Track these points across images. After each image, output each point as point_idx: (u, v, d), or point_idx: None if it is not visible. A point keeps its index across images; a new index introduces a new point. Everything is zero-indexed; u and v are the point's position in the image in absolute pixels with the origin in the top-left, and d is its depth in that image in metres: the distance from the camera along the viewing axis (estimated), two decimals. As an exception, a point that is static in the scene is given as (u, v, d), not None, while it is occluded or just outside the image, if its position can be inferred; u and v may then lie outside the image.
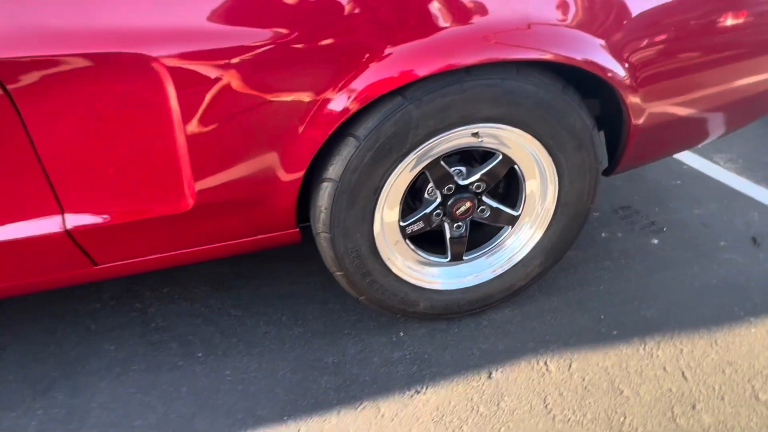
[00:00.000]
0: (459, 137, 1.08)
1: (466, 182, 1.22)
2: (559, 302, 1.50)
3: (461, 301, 1.36)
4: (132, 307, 1.55)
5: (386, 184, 1.08)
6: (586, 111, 1.11)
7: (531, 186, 1.25)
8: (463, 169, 1.23)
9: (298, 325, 1.46)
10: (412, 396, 1.25)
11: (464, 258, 1.34)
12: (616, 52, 1.01)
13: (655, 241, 1.77)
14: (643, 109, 1.10)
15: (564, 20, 0.97)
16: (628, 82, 1.04)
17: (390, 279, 1.26)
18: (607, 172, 1.39)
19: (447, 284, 1.34)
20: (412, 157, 1.07)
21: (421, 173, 1.13)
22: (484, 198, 1.27)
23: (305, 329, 1.44)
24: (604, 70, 1.01)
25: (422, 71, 0.90)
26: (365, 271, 1.21)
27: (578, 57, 0.99)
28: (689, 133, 1.29)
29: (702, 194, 2.00)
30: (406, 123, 0.99)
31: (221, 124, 0.89)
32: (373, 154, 1.00)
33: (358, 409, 1.22)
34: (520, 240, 1.34)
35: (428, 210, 1.23)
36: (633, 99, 1.08)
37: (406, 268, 1.27)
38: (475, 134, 1.10)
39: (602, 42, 1.00)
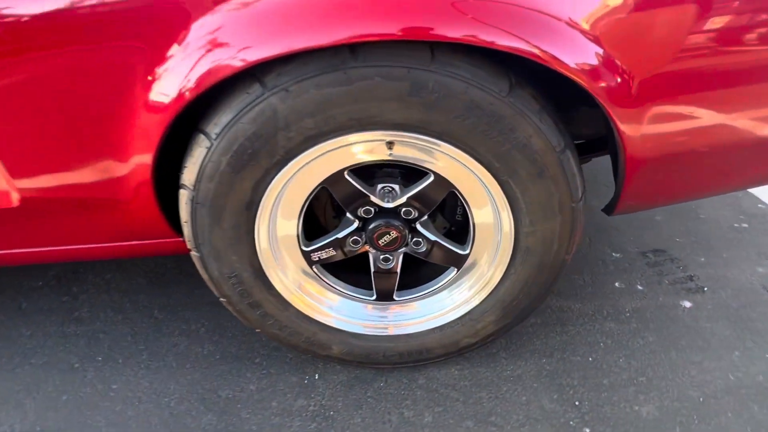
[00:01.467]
0: (366, 147, 0.78)
1: (392, 205, 0.92)
2: (525, 369, 1.10)
3: (388, 351, 1.06)
4: (68, 290, 1.43)
5: (264, 199, 0.81)
6: (553, 124, 0.73)
7: (481, 218, 0.89)
8: (396, 188, 0.93)
9: (212, 342, 1.24)
10: None
11: (395, 298, 1.04)
12: (597, 40, 0.64)
13: (687, 305, 1.31)
14: (642, 131, 0.72)
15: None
16: (616, 88, 0.67)
17: (289, 314, 0.98)
18: (607, 211, 1.00)
19: (370, 328, 1.05)
20: (296, 167, 0.79)
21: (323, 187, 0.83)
22: (419, 228, 0.96)
23: (216, 349, 1.22)
24: (569, 67, 0.64)
25: (270, 49, 0.61)
26: (253, 302, 0.96)
27: (515, 42, 0.62)
28: (716, 173, 0.87)
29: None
30: (271, 120, 0.69)
31: (25, 111, 0.68)
32: (231, 159, 0.73)
33: None
34: (468, 287, 1.00)
35: (340, 235, 0.93)
36: (624, 115, 0.70)
37: (312, 302, 1.00)
38: (390, 144, 0.79)
39: (571, 23, 0.63)
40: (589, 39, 0.62)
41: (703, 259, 1.44)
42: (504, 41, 0.62)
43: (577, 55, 0.62)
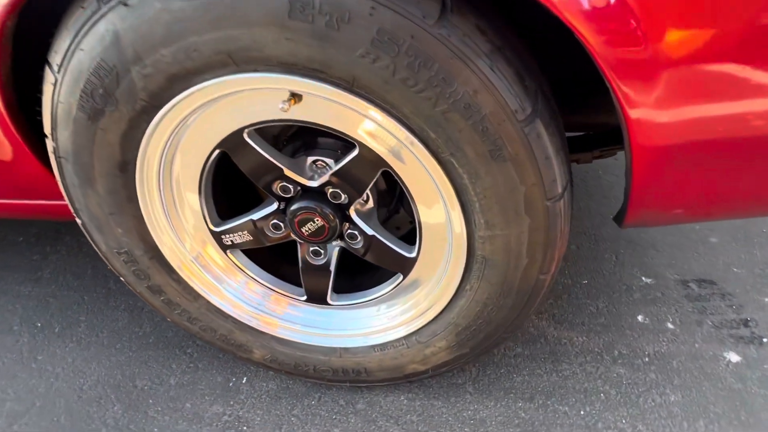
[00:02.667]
0: (261, 98, 0.56)
1: (315, 184, 0.71)
2: (493, 413, 0.83)
3: (320, 365, 0.85)
4: (42, 249, 1.36)
5: (141, 159, 0.63)
6: (515, 77, 0.47)
7: (428, 214, 0.64)
8: (331, 162, 0.71)
9: (152, 323, 1.08)
10: None
11: (329, 302, 0.84)
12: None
13: (735, 358, 0.96)
14: (655, 107, 0.46)
15: None
16: (617, 35, 0.41)
17: (199, 306, 0.81)
18: (618, 220, 0.72)
19: (297, 334, 0.84)
20: (174, 120, 0.60)
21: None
22: (353, 217, 0.74)
23: (153, 331, 1.07)
24: None
25: None
26: (153, 286, 0.79)
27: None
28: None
29: None
30: (115, 48, 0.49)
31: None
32: (81, 101, 0.55)
33: None
34: (415, 302, 0.76)
35: (255, 217, 0.73)
36: (630, 78, 0.44)
37: (228, 294, 0.82)
38: (297, 97, 0.58)
39: None
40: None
41: (767, 300, 1.09)
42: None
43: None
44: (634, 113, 0.47)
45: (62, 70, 0.52)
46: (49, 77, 0.54)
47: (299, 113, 0.57)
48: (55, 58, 0.52)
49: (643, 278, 1.15)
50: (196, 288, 0.76)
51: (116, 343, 1.05)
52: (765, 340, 0.97)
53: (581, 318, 1.05)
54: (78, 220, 0.70)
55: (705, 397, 0.86)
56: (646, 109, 0.46)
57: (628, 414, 0.84)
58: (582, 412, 0.84)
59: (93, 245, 0.73)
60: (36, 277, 1.26)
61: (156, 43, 0.49)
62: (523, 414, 0.84)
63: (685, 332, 1.00)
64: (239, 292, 0.80)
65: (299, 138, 0.73)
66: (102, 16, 0.48)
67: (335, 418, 0.86)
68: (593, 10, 0.42)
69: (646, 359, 0.94)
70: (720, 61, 0.44)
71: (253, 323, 0.81)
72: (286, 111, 0.54)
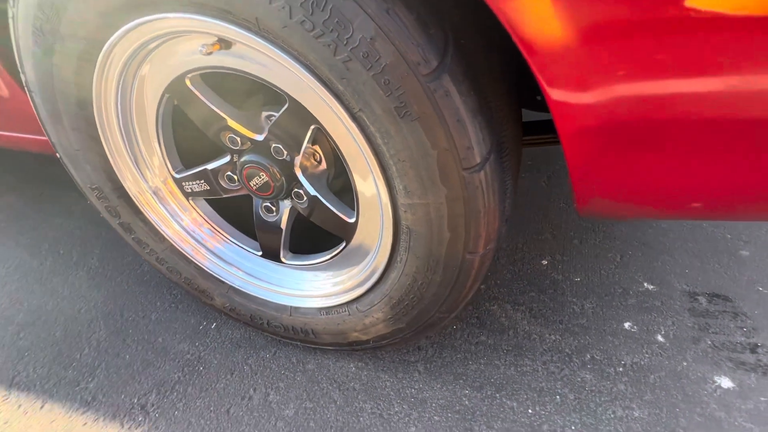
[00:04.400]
0: (191, 43, 0.54)
1: (260, 138, 0.68)
2: (436, 395, 0.79)
3: (273, 320, 0.84)
4: (57, 202, 1.48)
5: (96, 98, 0.64)
6: (415, 23, 0.41)
7: (360, 179, 0.60)
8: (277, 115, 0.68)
9: (126, 265, 1.17)
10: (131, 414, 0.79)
11: (282, 260, 0.82)
12: None
13: (726, 384, 0.82)
14: (584, 98, 0.37)
15: None
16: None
17: (164, 248, 0.84)
18: (577, 206, 0.62)
19: (252, 287, 0.84)
20: (119, 59, 0.60)
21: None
22: (298, 175, 0.71)
23: (149, 270, 1.14)
24: None
25: None
26: (123, 223, 0.82)
27: None
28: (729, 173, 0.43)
29: None
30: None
31: None
32: (33, 35, 0.58)
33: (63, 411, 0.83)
34: (356, 269, 0.72)
35: (210, 167, 0.72)
36: (554, 71, 0.36)
37: (189, 238, 0.83)
38: (224, 43, 0.55)
39: None
40: None
41: None
42: None
43: None
44: (555, 94, 0.40)
45: (16, 4, 0.55)
46: (9, 12, 0.57)
47: (229, 62, 0.56)
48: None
49: (645, 284, 1.01)
50: (160, 229, 0.79)
51: (117, 277, 1.13)
52: (774, 369, 0.83)
53: (561, 316, 0.95)
54: (57, 155, 0.75)
55: (675, 420, 0.75)
56: (566, 90, 0.39)
57: (580, 422, 0.75)
58: (530, 411, 0.77)
59: (72, 180, 0.79)
60: (69, 212, 1.38)
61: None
62: (466, 401, 0.79)
63: (676, 348, 0.87)
64: (202, 238, 0.82)
65: (260, 92, 0.72)
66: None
67: (283, 374, 0.86)
68: None
69: (620, 369, 0.83)
70: (643, 33, 0.36)
71: (213, 271, 0.83)
72: (208, 54, 0.53)
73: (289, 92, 0.56)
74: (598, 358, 0.86)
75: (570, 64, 0.38)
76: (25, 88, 0.65)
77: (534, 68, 0.39)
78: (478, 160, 0.47)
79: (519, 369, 0.84)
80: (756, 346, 0.87)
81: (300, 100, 0.55)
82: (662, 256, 1.08)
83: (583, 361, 0.85)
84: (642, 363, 0.84)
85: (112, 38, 0.54)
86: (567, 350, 0.88)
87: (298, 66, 0.48)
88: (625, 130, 0.41)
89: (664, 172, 0.45)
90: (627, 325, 0.92)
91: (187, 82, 0.60)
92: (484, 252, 0.56)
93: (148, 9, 0.49)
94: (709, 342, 0.88)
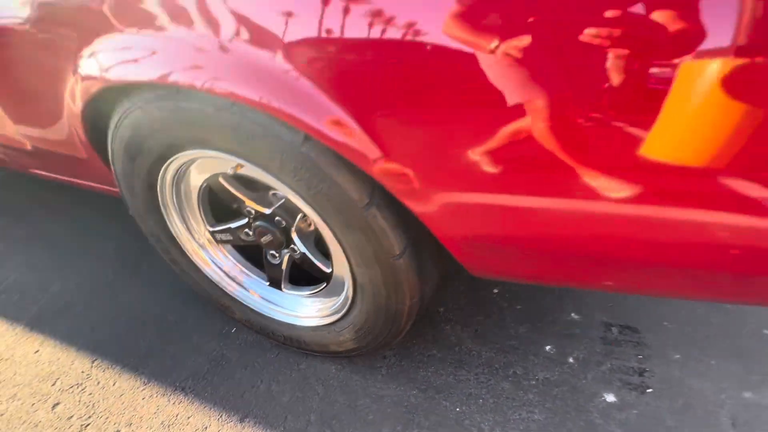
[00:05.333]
0: (218, 163, 0.84)
1: (268, 211, 0.96)
2: (392, 393, 1.06)
3: (276, 331, 1.14)
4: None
5: (160, 184, 0.94)
6: (353, 179, 0.67)
7: (332, 246, 0.87)
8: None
9: (171, 280, 1.48)
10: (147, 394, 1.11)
11: (283, 289, 1.10)
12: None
13: (610, 399, 1.06)
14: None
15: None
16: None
17: (201, 277, 1.13)
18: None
19: (262, 307, 1.13)
20: (176, 166, 0.89)
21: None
22: (293, 237, 0.98)
23: (173, 286, 1.45)
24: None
25: (112, 76, 0.71)
26: (172, 258, 1.12)
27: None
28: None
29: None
30: (138, 127, 0.81)
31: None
32: (125, 147, 0.86)
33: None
34: (332, 302, 1.00)
35: (233, 226, 1.02)
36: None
37: (219, 272, 1.13)
38: (241, 165, 0.83)
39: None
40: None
41: (678, 357, 1.14)
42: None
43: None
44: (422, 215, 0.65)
45: (115, 128, 0.84)
46: (110, 134, 0.87)
47: (247, 172, 0.84)
48: (112, 123, 0.84)
49: (573, 314, 1.26)
50: (198, 264, 1.09)
51: (163, 287, 1.45)
52: (649, 390, 1.06)
53: (498, 337, 1.21)
54: (130, 212, 1.05)
55: (564, 424, 1.01)
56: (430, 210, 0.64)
57: (493, 420, 1.02)
58: (458, 409, 1.04)
59: (142, 228, 1.09)
60: (127, 230, 1.71)
61: (155, 130, 0.78)
62: (413, 399, 1.07)
63: (581, 368, 1.12)
64: (228, 271, 1.12)
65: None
66: (129, 115, 0.78)
67: (283, 370, 1.16)
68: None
69: (533, 382, 1.09)
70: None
71: (236, 295, 1.12)
72: (235, 171, 0.81)
73: (285, 195, 0.83)
74: (519, 372, 1.12)
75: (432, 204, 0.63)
76: (113, 174, 0.95)
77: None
78: (398, 252, 0.74)
79: (457, 377, 1.11)
80: (644, 370, 1.11)
81: (292, 200, 0.83)
82: (594, 292, 1.31)
83: (507, 374, 1.11)
84: (551, 379, 1.10)
85: (173, 157, 0.83)
86: (496, 365, 1.14)
87: (287, 188, 0.75)
88: (474, 229, 0.65)
89: (510, 258, 0.69)
90: (548, 347, 1.17)
91: (219, 179, 0.89)
92: (410, 304, 0.83)
93: (197, 146, 0.78)
94: (609, 365, 1.12)
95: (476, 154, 0.55)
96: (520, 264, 0.70)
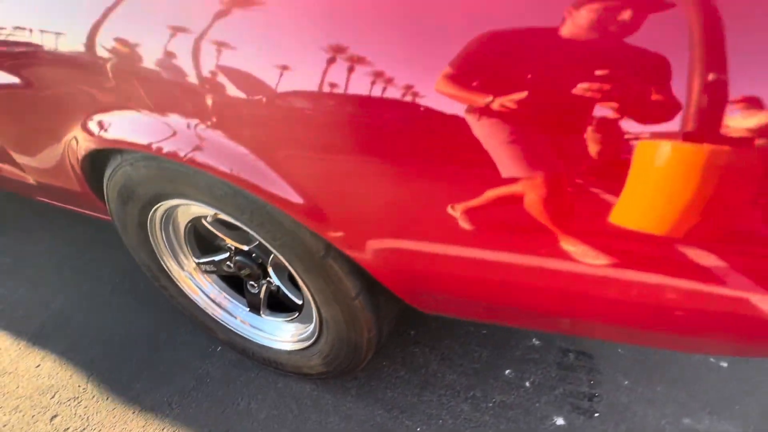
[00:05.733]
0: (201, 209, 0.94)
1: (246, 248, 1.06)
2: (359, 412, 1.16)
3: (256, 353, 1.23)
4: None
5: (150, 223, 1.04)
6: (309, 233, 0.77)
7: (301, 285, 0.97)
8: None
9: (162, 302, 1.60)
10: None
11: (261, 315, 1.20)
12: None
13: (559, 422, 1.14)
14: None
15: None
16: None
17: (188, 302, 1.24)
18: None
19: (243, 330, 1.23)
20: (163, 209, 0.99)
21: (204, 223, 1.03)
22: (269, 270, 1.08)
23: (164, 307, 1.56)
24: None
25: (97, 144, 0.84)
26: (162, 285, 1.22)
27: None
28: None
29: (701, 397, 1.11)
30: (128, 178, 0.91)
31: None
32: (118, 192, 0.97)
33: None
34: (303, 330, 1.10)
35: (216, 259, 1.12)
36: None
37: (205, 298, 1.23)
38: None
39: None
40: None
41: (626, 383, 1.23)
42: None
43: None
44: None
45: (109, 179, 0.94)
46: (105, 182, 0.97)
47: (225, 218, 0.94)
48: (106, 175, 0.94)
49: (534, 340, 1.34)
50: (183, 289, 1.20)
51: (155, 307, 1.55)
52: (596, 415, 1.15)
53: (463, 360, 1.30)
54: (126, 245, 1.16)
55: (512, 445, 1.09)
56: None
57: (448, 439, 1.11)
58: (419, 429, 1.14)
59: (135, 259, 1.20)
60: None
61: (142, 181, 0.88)
62: (378, 419, 1.16)
63: (536, 392, 1.21)
64: (214, 297, 1.22)
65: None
66: (121, 167, 0.88)
67: (261, 389, 1.26)
68: None
69: (490, 405, 1.18)
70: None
71: (218, 318, 1.22)
72: (214, 216, 0.91)
73: (259, 239, 0.93)
74: (478, 395, 1.21)
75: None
76: (110, 212, 1.05)
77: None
78: (353, 295, 0.83)
79: (421, 398, 1.20)
80: (594, 395, 1.19)
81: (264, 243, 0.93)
82: (556, 317, 1.40)
83: (467, 396, 1.20)
84: (507, 402, 1.19)
85: (159, 203, 0.93)
86: (458, 387, 1.23)
87: (257, 236, 0.85)
88: (410, 278, 0.75)
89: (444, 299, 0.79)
90: (508, 371, 1.26)
91: (202, 220, 0.99)
92: (368, 337, 0.92)
93: (179, 197, 0.88)
94: (562, 389, 1.21)
95: (405, 215, 0.65)
96: (468, 309, 0.80)
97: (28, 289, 1.63)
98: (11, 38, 0.84)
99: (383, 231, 0.67)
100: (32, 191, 1.35)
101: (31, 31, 0.81)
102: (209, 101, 0.67)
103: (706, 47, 0.47)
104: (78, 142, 0.91)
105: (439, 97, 0.54)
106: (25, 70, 0.87)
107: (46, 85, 0.86)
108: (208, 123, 0.68)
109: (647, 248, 0.56)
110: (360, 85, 0.57)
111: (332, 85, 0.59)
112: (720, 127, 0.48)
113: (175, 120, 0.72)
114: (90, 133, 0.85)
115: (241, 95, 0.64)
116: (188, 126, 0.70)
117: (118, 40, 0.71)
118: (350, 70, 0.57)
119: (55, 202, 1.41)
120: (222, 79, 0.65)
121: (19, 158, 1.14)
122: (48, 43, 0.80)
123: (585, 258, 0.59)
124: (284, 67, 0.61)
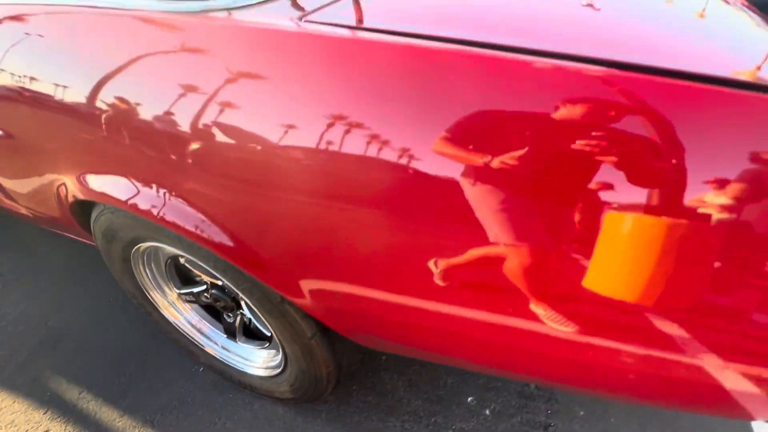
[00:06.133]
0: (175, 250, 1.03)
1: (220, 282, 1.14)
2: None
3: (234, 376, 1.32)
4: None
5: (133, 259, 1.13)
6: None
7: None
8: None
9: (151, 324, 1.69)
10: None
11: (237, 341, 1.28)
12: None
13: None
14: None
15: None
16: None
17: (171, 328, 1.33)
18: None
19: (221, 354, 1.31)
20: (144, 248, 1.08)
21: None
22: (242, 303, 1.16)
23: (154, 330, 1.66)
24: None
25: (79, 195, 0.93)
26: (147, 311, 1.32)
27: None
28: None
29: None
30: (111, 223, 1.01)
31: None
32: (102, 233, 1.06)
33: None
34: (273, 359, 1.18)
35: (195, 290, 1.21)
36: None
37: (186, 324, 1.32)
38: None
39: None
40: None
41: (582, 413, 1.28)
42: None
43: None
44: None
45: (95, 221, 1.03)
46: (93, 226, 1.06)
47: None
48: (93, 215, 1.03)
49: (497, 382, 1.41)
50: (168, 318, 1.28)
51: (146, 329, 1.64)
52: (550, 445, 1.21)
53: (429, 387, 1.37)
54: (114, 275, 1.25)
55: (469, 470, 1.16)
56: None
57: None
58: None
59: (122, 288, 1.29)
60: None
61: (121, 227, 0.97)
62: (340, 443, 1.24)
63: (495, 420, 1.27)
64: (195, 324, 1.30)
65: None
66: (104, 213, 0.97)
67: (238, 410, 1.34)
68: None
69: (450, 431, 1.25)
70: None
71: (199, 343, 1.31)
72: (182, 260, 1.00)
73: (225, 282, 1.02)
74: (440, 421, 1.27)
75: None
76: (100, 250, 1.14)
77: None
78: (309, 336, 0.91)
79: (385, 423, 1.27)
80: (549, 425, 1.25)
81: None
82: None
83: (429, 422, 1.27)
84: (466, 429, 1.25)
85: (139, 243, 1.02)
86: (421, 413, 1.30)
87: (224, 281, 0.93)
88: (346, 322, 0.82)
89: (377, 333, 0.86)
90: (470, 399, 1.33)
91: (179, 258, 1.08)
92: (327, 372, 1.00)
93: (155, 241, 0.96)
94: (520, 418, 1.27)
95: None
96: (416, 354, 0.87)
97: (28, 305, 1.74)
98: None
99: (314, 273, 0.75)
100: (30, 220, 1.45)
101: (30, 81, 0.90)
102: (174, 174, 0.76)
103: (667, 140, 0.53)
104: (67, 188, 1.00)
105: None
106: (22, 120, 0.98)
107: (41, 136, 0.96)
108: (173, 192, 0.77)
109: (613, 314, 0.59)
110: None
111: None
112: (681, 203, 0.52)
113: (148, 187, 0.81)
114: (76, 183, 0.95)
115: (199, 171, 0.73)
116: (158, 191, 0.79)
117: (110, 104, 0.79)
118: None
119: (53, 229, 1.51)
120: (182, 159, 0.74)
121: (14, 195, 1.24)
122: (46, 96, 0.89)
123: (551, 321, 0.62)
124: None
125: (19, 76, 0.90)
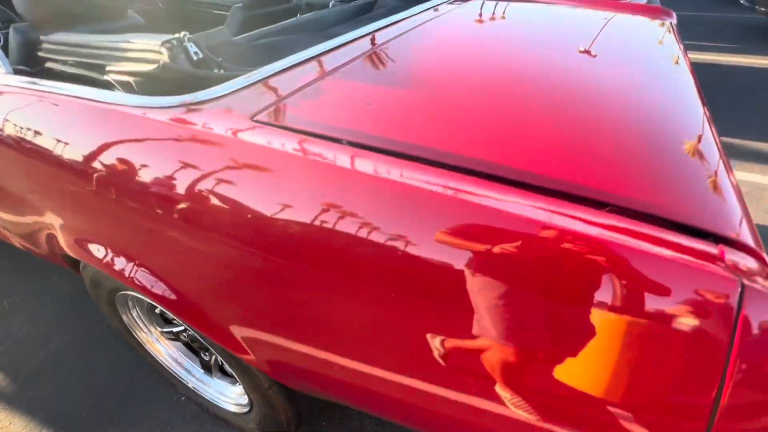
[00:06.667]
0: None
1: None
2: None
3: (210, 409, 1.41)
4: None
5: (117, 302, 1.24)
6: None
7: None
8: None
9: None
10: None
11: (212, 377, 1.37)
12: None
13: None
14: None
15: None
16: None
17: (154, 361, 1.42)
18: None
19: (198, 388, 1.41)
20: (125, 294, 1.18)
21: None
22: None
23: (141, 358, 1.76)
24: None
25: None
26: (133, 345, 1.42)
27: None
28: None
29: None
30: (96, 273, 1.11)
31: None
32: (90, 280, 1.18)
33: None
34: (240, 396, 1.28)
35: (174, 330, 1.32)
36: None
37: (168, 358, 1.41)
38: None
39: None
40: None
41: None
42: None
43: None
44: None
45: (84, 270, 1.14)
46: (81, 268, 1.17)
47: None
48: (81, 265, 1.14)
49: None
50: (152, 353, 1.38)
51: (135, 355, 1.74)
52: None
53: (393, 424, 1.43)
54: (102, 311, 1.35)
55: None
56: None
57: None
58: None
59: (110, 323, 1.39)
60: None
61: (107, 278, 1.07)
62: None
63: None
64: (177, 359, 1.40)
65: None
66: (87, 267, 1.08)
67: (215, 439, 1.43)
68: None
69: (408, 471, 1.31)
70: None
71: (179, 377, 1.40)
72: (157, 310, 1.10)
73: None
74: (400, 461, 1.33)
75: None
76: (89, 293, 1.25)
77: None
78: (266, 386, 0.99)
79: (348, 460, 1.34)
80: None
81: (204, 329, 1.10)
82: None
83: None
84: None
85: (121, 291, 1.12)
86: (382, 451, 1.36)
87: (191, 330, 1.03)
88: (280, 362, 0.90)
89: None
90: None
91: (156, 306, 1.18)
92: (287, 417, 1.08)
93: (133, 291, 1.07)
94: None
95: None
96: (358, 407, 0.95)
97: (30, 327, 1.86)
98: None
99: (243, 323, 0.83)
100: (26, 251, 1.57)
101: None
102: (142, 245, 0.87)
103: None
104: (57, 235, 1.11)
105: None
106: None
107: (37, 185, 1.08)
108: (137, 261, 0.87)
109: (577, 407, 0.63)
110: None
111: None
112: (643, 309, 0.55)
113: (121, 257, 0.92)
114: (70, 243, 1.06)
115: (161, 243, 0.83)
116: (128, 259, 0.89)
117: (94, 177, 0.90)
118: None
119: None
120: (151, 236, 0.84)
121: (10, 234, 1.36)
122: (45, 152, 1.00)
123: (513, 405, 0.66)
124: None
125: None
